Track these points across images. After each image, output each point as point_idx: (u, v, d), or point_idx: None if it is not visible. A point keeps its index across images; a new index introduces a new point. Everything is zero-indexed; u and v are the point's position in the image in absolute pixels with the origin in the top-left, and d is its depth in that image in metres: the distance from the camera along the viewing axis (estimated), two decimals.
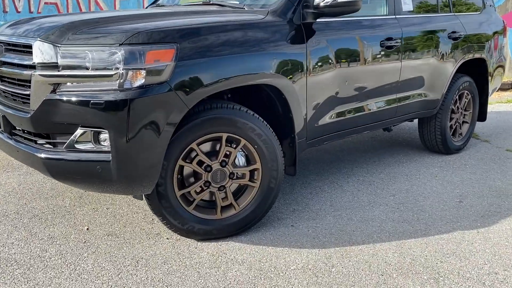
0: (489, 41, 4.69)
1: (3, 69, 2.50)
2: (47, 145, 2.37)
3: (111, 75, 2.17)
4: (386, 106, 3.62)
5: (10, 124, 2.53)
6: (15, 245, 2.61)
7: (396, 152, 4.67)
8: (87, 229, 2.83)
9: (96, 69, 2.19)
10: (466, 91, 4.63)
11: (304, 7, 2.90)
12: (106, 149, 2.23)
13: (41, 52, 2.25)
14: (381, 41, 3.40)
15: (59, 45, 2.24)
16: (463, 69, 4.44)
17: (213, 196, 2.66)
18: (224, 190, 2.66)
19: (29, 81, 2.31)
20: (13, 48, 2.46)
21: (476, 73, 4.69)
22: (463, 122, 4.76)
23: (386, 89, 3.57)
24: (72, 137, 2.26)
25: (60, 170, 2.30)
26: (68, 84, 2.23)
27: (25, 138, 2.48)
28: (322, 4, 2.82)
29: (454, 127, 4.61)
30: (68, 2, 9.54)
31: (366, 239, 2.78)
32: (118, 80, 2.16)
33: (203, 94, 2.38)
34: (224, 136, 2.56)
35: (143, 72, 2.17)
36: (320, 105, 3.02)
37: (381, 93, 3.54)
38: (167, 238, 2.72)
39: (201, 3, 3.34)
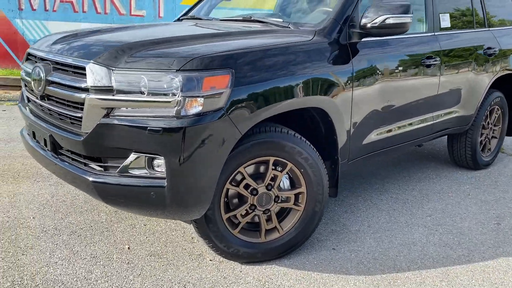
0: None
1: (51, 88, 2.46)
2: (97, 168, 2.34)
3: (168, 102, 2.13)
4: (424, 123, 3.60)
5: (56, 143, 2.50)
6: (59, 265, 2.59)
7: (424, 166, 4.63)
8: (128, 248, 2.81)
9: (153, 95, 2.15)
10: (497, 106, 4.58)
11: (350, 27, 2.86)
12: (161, 175, 2.20)
13: (95, 75, 2.21)
14: (422, 59, 3.36)
15: (114, 69, 2.21)
16: (494, 85, 4.39)
17: (255, 219, 2.63)
18: (269, 213, 2.63)
19: (81, 104, 2.28)
20: (63, 68, 2.42)
21: (506, 88, 4.64)
22: (492, 137, 4.72)
23: (425, 106, 3.54)
24: (125, 162, 2.23)
25: (111, 195, 2.27)
26: (123, 108, 2.19)
27: (73, 159, 2.45)
28: (369, 25, 2.78)
29: (483, 142, 4.57)
30: (83, 0, 9.52)
31: (410, 265, 2.75)
32: (176, 107, 2.13)
33: (256, 120, 2.35)
34: (272, 159, 2.53)
35: (201, 100, 2.14)
36: (363, 125, 2.98)
37: (420, 110, 3.52)
38: (210, 260, 2.70)
39: (241, 18, 3.29)
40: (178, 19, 3.95)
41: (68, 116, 2.40)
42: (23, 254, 2.68)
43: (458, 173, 4.49)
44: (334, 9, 2.89)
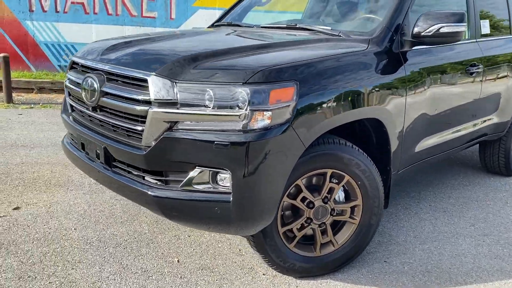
0: None
1: (106, 100, 2.40)
2: (155, 182, 2.28)
3: (235, 116, 2.08)
4: (467, 130, 3.58)
5: (110, 155, 2.44)
6: (111, 280, 2.53)
7: (455, 173, 4.59)
8: (178, 261, 2.75)
9: (218, 108, 2.10)
10: None
11: (402, 35, 2.81)
12: (225, 189, 2.14)
13: (158, 88, 2.15)
14: (466, 67, 3.32)
15: (177, 81, 2.15)
16: None
17: (307, 232, 2.57)
18: (324, 227, 2.58)
19: (142, 116, 2.22)
20: (120, 79, 2.36)
21: None
22: None
23: (468, 113, 3.52)
24: (188, 176, 2.17)
25: (174, 210, 2.21)
26: (187, 122, 2.14)
27: (129, 172, 2.39)
28: (423, 33, 2.73)
29: None
30: (95, 2, 9.45)
31: (466, 278, 2.70)
32: (243, 121, 2.07)
33: (319, 132, 2.30)
34: (329, 172, 2.48)
35: (268, 113, 2.08)
36: (414, 134, 2.94)
37: (464, 117, 3.50)
38: (263, 274, 2.64)
39: (285, 26, 3.23)
40: (213, 25, 3.89)
41: (125, 128, 2.34)
42: (72, 269, 2.62)
43: (490, 179, 4.45)
44: (385, 17, 2.84)
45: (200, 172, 2.16)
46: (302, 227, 2.54)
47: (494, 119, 3.89)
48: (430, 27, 2.71)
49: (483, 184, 4.32)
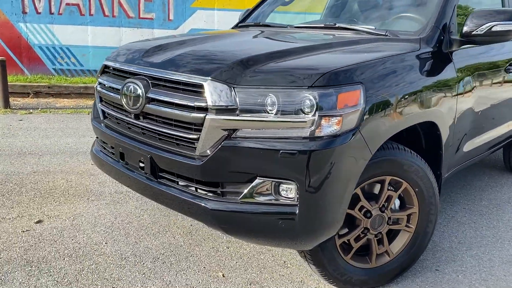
0: None
1: (152, 106, 2.23)
2: (211, 194, 2.12)
3: (301, 122, 1.93)
4: (506, 129, 3.51)
5: (156, 166, 2.27)
6: None
7: (478, 174, 4.52)
8: (223, 275, 2.59)
9: (282, 114, 1.95)
10: None
11: (450, 34, 2.71)
12: (290, 201, 2.00)
13: (216, 93, 1.99)
14: (506, 67, 3.23)
15: (236, 86, 2.00)
16: None
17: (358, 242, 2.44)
18: (380, 236, 2.45)
19: (197, 124, 2.06)
20: (168, 85, 2.19)
21: None
22: None
23: (507, 111, 3.43)
24: (249, 187, 2.02)
25: (233, 223, 2.06)
26: (248, 129, 1.98)
27: (178, 184, 2.23)
28: (474, 32, 2.63)
29: None
30: (90, 3, 9.19)
31: None
32: (310, 128, 1.93)
33: (384, 138, 2.17)
34: (388, 179, 2.35)
35: (336, 118, 1.95)
36: (462, 136, 2.85)
37: (505, 117, 3.43)
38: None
39: (322, 25, 3.10)
40: (237, 26, 3.74)
41: (175, 137, 2.18)
42: (113, 287, 2.44)
43: None
44: (433, 16, 2.73)
45: (262, 183, 2.01)
46: (358, 238, 2.41)
47: None
48: (481, 25, 2.61)
49: (509, 184, 4.26)
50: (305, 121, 1.93)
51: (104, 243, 2.91)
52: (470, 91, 2.80)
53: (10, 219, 3.18)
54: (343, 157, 1.98)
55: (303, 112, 1.94)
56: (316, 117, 1.92)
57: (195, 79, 2.07)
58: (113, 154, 2.61)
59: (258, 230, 2.05)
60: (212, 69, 2.08)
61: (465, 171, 4.54)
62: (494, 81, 3.08)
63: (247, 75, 2.03)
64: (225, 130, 2.01)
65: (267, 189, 2.02)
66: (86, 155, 4.67)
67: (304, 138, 1.94)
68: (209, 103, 2.00)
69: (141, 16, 9.29)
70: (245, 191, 2.03)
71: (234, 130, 2.00)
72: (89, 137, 5.42)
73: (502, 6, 3.43)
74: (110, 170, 2.67)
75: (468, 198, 3.88)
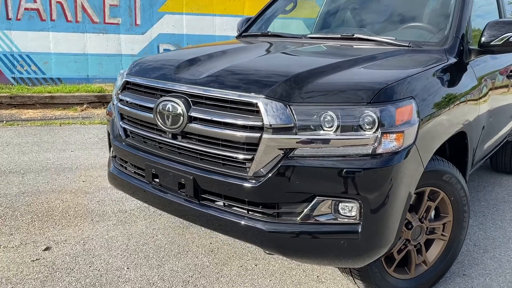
0: None
1: (195, 126, 2.12)
2: (265, 216, 2.04)
3: (363, 139, 1.90)
4: (505, 131, 3.68)
5: (199, 187, 2.16)
6: None
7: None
8: None
9: (342, 132, 1.91)
10: None
11: (468, 44, 2.78)
12: (352, 220, 1.96)
13: (272, 112, 1.92)
14: (507, 73, 3.37)
15: (292, 104, 1.93)
16: None
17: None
18: (419, 247, 2.47)
19: (250, 144, 1.98)
20: (213, 103, 2.09)
21: None
22: None
23: (507, 116, 3.62)
24: (309, 208, 1.96)
25: (292, 245, 1.99)
26: (306, 148, 1.93)
27: (225, 205, 2.14)
28: (492, 42, 2.71)
29: None
30: (51, 8, 8.74)
31: None
32: (372, 145, 1.90)
33: (432, 151, 2.19)
34: (427, 190, 2.38)
35: (396, 135, 1.93)
36: (482, 141, 2.93)
37: (505, 120, 3.59)
38: None
39: (339, 36, 3.08)
40: (241, 36, 3.66)
41: (222, 157, 2.08)
42: None
43: (503, 179, 4.60)
44: (452, 26, 2.79)
45: (322, 203, 1.96)
46: (400, 250, 2.41)
47: None
48: (499, 36, 2.69)
49: (500, 184, 4.45)
50: (368, 138, 1.90)
51: (125, 268, 2.75)
52: (486, 98, 2.89)
53: (13, 247, 2.94)
54: (403, 173, 1.97)
55: (363, 129, 1.91)
56: (378, 134, 1.90)
57: (246, 97, 1.99)
58: (141, 175, 2.46)
59: (319, 250, 2.00)
60: (263, 87, 2.00)
61: None
62: (504, 88, 3.21)
63: (302, 92, 1.97)
64: (281, 149, 1.94)
65: (326, 209, 1.97)
66: (73, 172, 4.42)
67: (366, 155, 1.91)
68: (266, 122, 1.92)
69: (106, 21, 8.95)
70: (304, 211, 1.97)
71: (292, 149, 1.94)
72: (70, 151, 5.14)
73: (499, 13, 3.57)
74: (134, 191, 2.52)
75: None
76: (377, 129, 1.90)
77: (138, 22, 9.15)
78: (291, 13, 4.68)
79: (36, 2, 8.50)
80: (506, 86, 3.38)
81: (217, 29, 9.63)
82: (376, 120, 1.90)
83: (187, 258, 2.88)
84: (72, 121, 6.77)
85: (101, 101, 7.89)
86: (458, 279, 2.75)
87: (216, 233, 3.17)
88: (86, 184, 4.11)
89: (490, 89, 3.00)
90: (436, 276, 2.57)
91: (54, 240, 3.05)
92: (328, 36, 3.19)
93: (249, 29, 3.72)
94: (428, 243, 2.56)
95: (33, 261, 2.79)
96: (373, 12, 3.57)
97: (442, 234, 2.54)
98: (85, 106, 7.74)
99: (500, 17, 3.57)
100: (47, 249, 2.93)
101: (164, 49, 9.22)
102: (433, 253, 2.56)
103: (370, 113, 1.90)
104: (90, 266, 2.75)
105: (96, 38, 8.92)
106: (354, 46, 2.89)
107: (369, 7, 3.65)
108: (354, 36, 2.98)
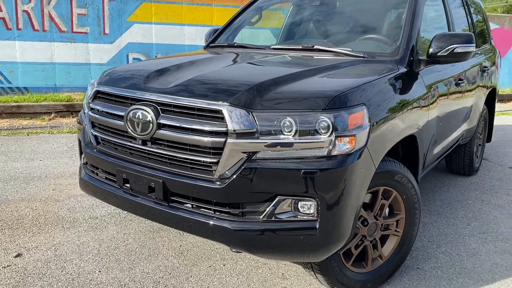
0: (496, 70, 5.21)
1: (164, 132, 2.25)
2: (230, 215, 2.19)
3: (319, 142, 2.08)
4: (455, 135, 3.93)
5: (168, 190, 2.29)
6: None
7: (426, 177, 4.95)
8: None
9: (300, 136, 2.09)
10: (483, 117, 5.09)
11: (418, 55, 3.02)
12: (310, 217, 2.13)
13: (236, 118, 2.08)
14: (456, 81, 3.65)
15: (254, 110, 2.10)
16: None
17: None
18: (375, 242, 2.67)
19: (215, 148, 2.13)
20: (181, 110, 2.23)
21: (488, 101, 5.18)
22: (478, 145, 5.23)
23: (458, 121, 3.88)
24: (270, 206, 2.12)
25: (257, 242, 2.14)
26: (268, 151, 2.09)
27: (193, 206, 2.27)
28: (440, 53, 2.96)
29: (475, 150, 5.04)
30: (18, 17, 8.68)
31: (492, 275, 2.96)
32: (327, 148, 2.08)
33: (384, 152, 2.40)
34: (381, 189, 2.58)
35: (349, 138, 2.12)
36: (432, 144, 3.17)
37: (456, 125, 3.84)
38: None
39: (301, 47, 3.28)
40: (208, 46, 3.81)
41: (189, 161, 2.22)
42: None
43: (458, 180, 4.90)
44: (403, 39, 3.02)
45: (282, 201, 2.13)
46: (357, 245, 2.60)
47: (468, 125, 4.31)
48: (445, 47, 2.94)
49: (454, 185, 4.75)
50: (323, 142, 2.08)
51: (97, 271, 2.83)
52: (435, 104, 3.14)
53: None
54: (356, 173, 2.16)
55: (319, 133, 2.09)
56: (333, 138, 2.08)
57: (212, 105, 2.14)
58: (112, 180, 2.57)
59: (281, 246, 2.16)
60: (227, 95, 2.16)
61: None
62: (449, 95, 3.47)
63: (263, 99, 2.14)
64: (245, 152, 2.10)
65: (287, 207, 2.13)
66: (42, 180, 4.45)
67: (322, 157, 2.09)
68: (230, 127, 2.08)
69: (74, 30, 8.93)
70: (266, 210, 2.13)
71: (254, 153, 2.10)
72: (38, 160, 5.15)
73: (448, 25, 3.85)
74: (105, 196, 2.63)
75: (423, 199, 4.26)
76: (331, 133, 2.08)
77: (107, 31, 9.17)
78: (260, 23, 4.89)
79: (2, 11, 8.41)
80: (455, 93, 3.65)
81: (187, 38, 9.75)
82: (331, 125, 2.08)
83: (157, 260, 2.99)
84: (40, 131, 6.73)
85: (70, 110, 7.86)
86: (412, 272, 2.96)
87: (186, 235, 3.30)
88: (56, 192, 4.15)
89: (439, 96, 3.25)
90: (391, 269, 2.77)
91: (25, 247, 3.10)
92: (290, 47, 3.39)
93: (216, 40, 3.88)
94: (383, 239, 2.76)
95: (4, 267, 2.83)
96: (334, 24, 3.79)
97: (396, 230, 2.75)
98: (53, 115, 7.70)
99: (449, 29, 3.86)
100: (18, 255, 2.98)
101: (134, 58, 9.26)
102: (388, 248, 2.76)
103: (325, 119, 2.09)
104: (62, 271, 2.82)
105: (64, 47, 8.89)
106: (315, 57, 3.09)
107: (330, 19, 3.87)
108: (314, 48, 3.18)
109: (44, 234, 3.31)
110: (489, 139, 5.51)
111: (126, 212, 3.43)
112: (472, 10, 4.75)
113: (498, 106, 10.57)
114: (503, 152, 6.20)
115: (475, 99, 4.33)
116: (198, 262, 2.98)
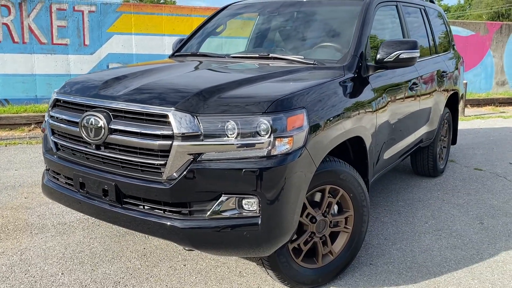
0: (459, 75, 5.42)
1: (115, 137, 2.38)
2: (179, 214, 2.32)
3: (259, 143, 2.22)
4: (413, 138, 4.09)
5: (120, 192, 2.41)
6: None
7: (392, 178, 5.14)
8: None
9: (242, 138, 2.23)
10: (446, 120, 5.28)
11: (366, 61, 3.19)
12: (252, 214, 2.27)
13: (181, 122, 2.22)
14: (409, 86, 3.82)
15: (199, 114, 2.24)
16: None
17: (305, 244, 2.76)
18: (324, 239, 2.80)
19: (163, 151, 2.26)
20: (131, 116, 2.36)
21: (449, 104, 5.37)
22: (443, 147, 5.41)
23: (414, 124, 4.04)
24: (215, 204, 2.26)
25: (203, 239, 2.27)
26: (212, 152, 2.23)
27: (144, 207, 2.39)
28: (386, 59, 3.13)
29: (439, 152, 5.22)
30: None
31: (441, 269, 3.11)
32: (267, 148, 2.22)
33: (325, 152, 2.54)
34: (328, 188, 2.72)
35: (288, 139, 2.26)
36: (382, 147, 3.32)
37: (412, 128, 4.01)
38: None
39: (257, 56, 3.43)
40: (174, 55, 3.96)
41: (140, 164, 2.35)
42: None
43: (422, 181, 5.07)
44: (351, 46, 3.19)
45: (227, 200, 2.26)
46: (306, 242, 2.73)
47: (427, 128, 4.48)
48: (391, 53, 3.12)
49: (418, 186, 4.91)
50: (263, 142, 2.22)
51: (60, 273, 2.93)
52: (385, 108, 3.30)
53: None
54: (295, 171, 2.30)
55: (259, 135, 2.24)
56: (271, 139, 2.22)
57: (159, 110, 2.28)
58: (70, 184, 2.68)
59: (226, 242, 2.29)
60: (174, 100, 2.30)
61: (382, 177, 5.13)
62: (401, 99, 3.64)
63: (208, 104, 2.28)
64: (190, 154, 2.23)
65: (231, 205, 2.27)
66: (15, 189, 4.54)
67: (262, 157, 2.23)
68: (175, 131, 2.22)
69: (54, 41, 9.04)
70: (212, 208, 2.26)
71: (199, 154, 2.23)
72: (14, 170, 5.23)
73: (402, 33, 4.04)
74: (66, 200, 2.74)
75: (387, 200, 4.43)
76: (270, 135, 2.23)
77: (87, 42, 9.29)
78: (225, 33, 5.05)
79: None
80: (409, 97, 3.82)
81: (166, 48, 9.89)
82: (269, 127, 2.23)
83: (120, 262, 3.09)
84: (19, 141, 6.81)
85: None
86: (364, 268, 3.10)
87: (150, 238, 3.41)
88: (28, 200, 4.24)
89: (390, 100, 3.42)
90: (342, 265, 2.90)
91: None
92: (248, 55, 3.55)
93: (181, 49, 4.03)
94: (334, 235, 2.90)
95: None
96: (295, 34, 3.95)
97: (345, 227, 2.89)
98: (33, 126, 7.77)
99: (404, 37, 4.05)
100: None
101: None
102: (339, 244, 2.90)
103: (265, 121, 2.23)
104: (25, 274, 2.92)
105: (44, 59, 8.99)
106: (270, 64, 3.24)
107: (291, 29, 4.03)
108: (270, 56, 3.34)
109: (12, 240, 3.40)
110: (454, 142, 5.70)
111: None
112: (431, 18, 4.95)
113: (474, 110, 10.89)
114: (471, 154, 6.40)
115: (434, 103, 4.51)
116: (160, 263, 3.09)
